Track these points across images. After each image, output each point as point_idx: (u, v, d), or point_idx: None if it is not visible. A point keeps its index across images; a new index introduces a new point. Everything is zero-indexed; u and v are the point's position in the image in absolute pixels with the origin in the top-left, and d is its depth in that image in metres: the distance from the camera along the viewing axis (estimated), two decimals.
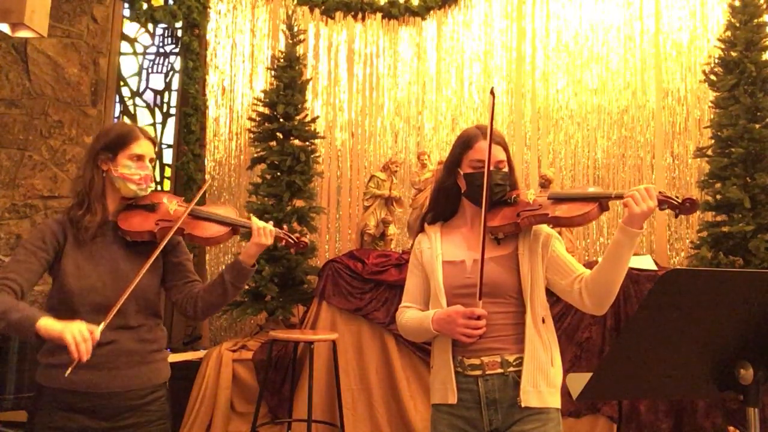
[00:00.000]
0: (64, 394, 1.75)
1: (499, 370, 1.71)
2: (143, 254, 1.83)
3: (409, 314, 1.88)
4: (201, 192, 2.10)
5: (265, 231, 1.90)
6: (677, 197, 1.60)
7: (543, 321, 1.75)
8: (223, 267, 2.53)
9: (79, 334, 1.57)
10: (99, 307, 1.77)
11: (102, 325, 1.64)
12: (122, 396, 1.78)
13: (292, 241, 1.98)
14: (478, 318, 1.68)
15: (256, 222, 1.91)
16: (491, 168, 1.78)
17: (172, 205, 1.93)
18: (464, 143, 1.85)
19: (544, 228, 1.82)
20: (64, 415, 1.75)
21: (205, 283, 1.98)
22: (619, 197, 1.63)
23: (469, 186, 1.82)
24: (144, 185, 1.89)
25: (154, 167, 2.00)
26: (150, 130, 5.40)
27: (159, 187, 5.36)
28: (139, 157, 1.88)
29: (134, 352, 1.81)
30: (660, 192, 1.60)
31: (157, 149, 2.05)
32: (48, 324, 1.61)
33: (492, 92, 1.78)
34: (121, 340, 1.79)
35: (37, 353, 1.82)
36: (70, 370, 1.56)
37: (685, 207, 1.58)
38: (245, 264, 1.91)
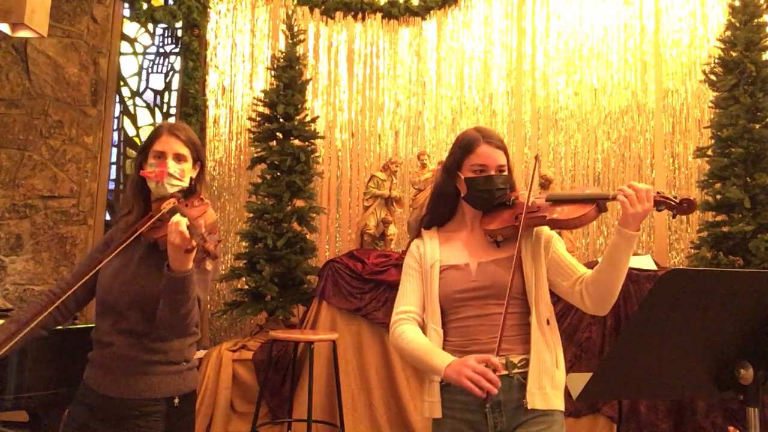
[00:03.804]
0: (85, 388, 1.80)
1: (504, 372, 1.66)
2: (158, 260, 1.74)
3: (411, 335, 1.72)
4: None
5: (175, 227, 1.53)
6: (675, 198, 1.57)
7: (548, 322, 1.73)
8: None
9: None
10: (105, 307, 1.79)
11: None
12: (116, 402, 1.74)
13: (203, 248, 1.52)
14: (494, 371, 1.51)
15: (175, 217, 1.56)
16: (493, 173, 1.78)
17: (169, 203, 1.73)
18: (465, 147, 1.81)
19: (545, 229, 1.80)
20: (80, 408, 1.80)
21: None
22: (616, 198, 1.61)
23: (470, 190, 1.80)
24: (159, 181, 1.77)
25: (198, 166, 1.88)
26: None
27: None
28: (160, 154, 1.80)
29: (132, 360, 1.74)
30: (658, 192, 1.58)
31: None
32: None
33: (537, 158, 2.02)
34: (120, 344, 1.75)
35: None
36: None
37: (682, 207, 1.56)
38: (169, 271, 1.60)
